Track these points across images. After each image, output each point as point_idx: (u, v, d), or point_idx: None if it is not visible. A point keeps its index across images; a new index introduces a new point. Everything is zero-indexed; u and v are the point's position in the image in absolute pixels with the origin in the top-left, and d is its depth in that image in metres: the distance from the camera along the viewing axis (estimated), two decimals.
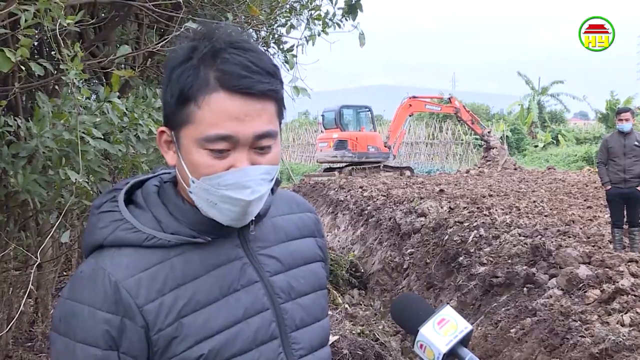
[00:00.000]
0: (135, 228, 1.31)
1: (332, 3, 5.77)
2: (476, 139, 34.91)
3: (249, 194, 1.27)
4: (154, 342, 1.26)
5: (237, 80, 1.23)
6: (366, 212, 14.47)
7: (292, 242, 1.50)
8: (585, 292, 6.40)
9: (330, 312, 7.17)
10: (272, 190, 1.42)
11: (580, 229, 9.65)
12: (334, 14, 5.78)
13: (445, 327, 1.38)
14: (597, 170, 9.77)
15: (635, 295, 6.07)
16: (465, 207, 12.08)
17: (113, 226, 1.31)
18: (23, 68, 3.24)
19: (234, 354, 1.30)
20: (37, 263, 3.55)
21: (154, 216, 1.34)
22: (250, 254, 1.39)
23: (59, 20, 2.97)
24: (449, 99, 29.30)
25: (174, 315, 1.27)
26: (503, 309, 7.09)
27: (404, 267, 10.64)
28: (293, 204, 1.58)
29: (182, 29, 3.80)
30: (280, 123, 1.33)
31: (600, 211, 11.98)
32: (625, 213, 8.94)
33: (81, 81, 3.13)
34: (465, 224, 10.42)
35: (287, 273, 1.43)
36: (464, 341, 1.39)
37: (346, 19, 5.84)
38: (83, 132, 3.20)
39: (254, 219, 1.38)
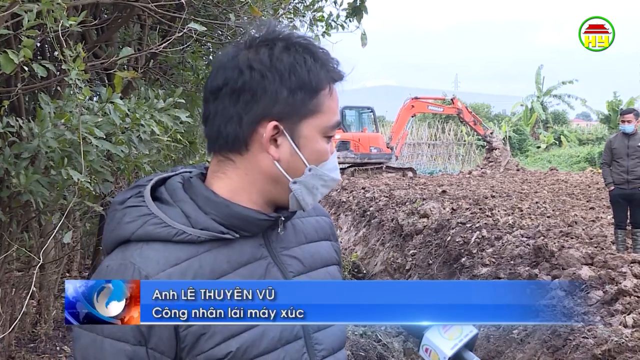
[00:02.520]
0: (164, 223, 1.30)
1: (335, 5, 5.77)
2: (478, 139, 34.88)
3: (339, 174, 1.44)
4: (182, 338, 1.25)
5: (341, 72, 1.38)
6: (368, 213, 14.46)
7: (311, 244, 1.51)
8: (588, 293, 6.39)
9: None
10: None
11: (583, 230, 9.64)
12: (338, 16, 5.77)
13: (450, 330, 1.38)
14: (600, 171, 9.76)
15: (637, 297, 6.06)
16: (467, 208, 12.07)
17: (141, 220, 1.30)
18: (26, 69, 3.24)
19: (261, 352, 1.30)
20: (40, 264, 3.55)
21: (182, 211, 1.33)
22: (273, 254, 1.40)
23: (61, 21, 2.97)
24: (452, 100, 29.31)
25: None
26: None
27: (407, 268, 10.65)
28: None
29: (184, 30, 3.81)
30: None
31: (603, 212, 11.95)
32: (628, 214, 8.94)
33: (83, 82, 3.13)
34: (468, 225, 10.41)
35: (308, 274, 1.45)
36: (470, 345, 1.39)
37: (350, 21, 5.83)
38: (85, 132, 3.20)
39: (283, 219, 1.41)
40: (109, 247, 1.34)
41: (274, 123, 1.31)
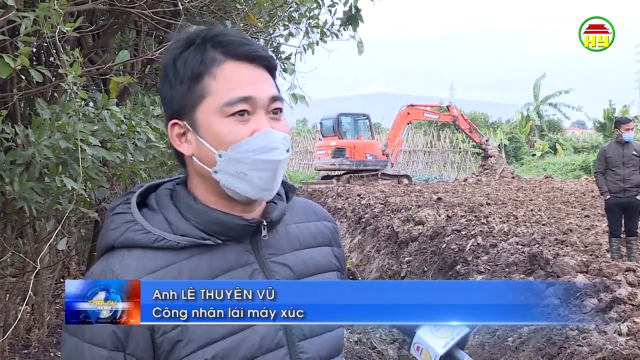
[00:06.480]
0: (145, 229, 1.31)
1: (330, 13, 5.78)
2: (474, 147, 34.93)
3: (278, 154, 1.32)
4: (158, 345, 1.26)
5: (242, 47, 1.32)
6: (364, 220, 14.46)
7: (306, 251, 1.49)
8: (583, 301, 6.39)
9: None
10: (288, 197, 1.49)
11: (578, 237, 9.64)
12: (332, 24, 5.78)
13: (442, 329, 1.38)
14: (595, 179, 9.77)
15: (632, 305, 6.07)
16: (462, 216, 12.07)
17: (124, 227, 1.32)
18: (23, 77, 3.24)
19: None
20: (37, 270, 3.54)
21: (164, 218, 1.35)
22: (261, 260, 1.39)
23: (58, 27, 2.97)
24: (447, 107, 29.35)
25: None
26: None
27: (402, 275, 10.63)
28: (310, 212, 1.58)
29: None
30: None
31: (598, 220, 11.97)
32: (622, 222, 8.95)
33: (79, 86, 3.13)
34: (463, 233, 10.41)
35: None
36: (461, 343, 1.39)
37: (345, 29, 5.85)
38: (80, 140, 3.20)
39: (266, 224, 1.39)
40: (98, 253, 1.36)
41: (172, 121, 1.35)
